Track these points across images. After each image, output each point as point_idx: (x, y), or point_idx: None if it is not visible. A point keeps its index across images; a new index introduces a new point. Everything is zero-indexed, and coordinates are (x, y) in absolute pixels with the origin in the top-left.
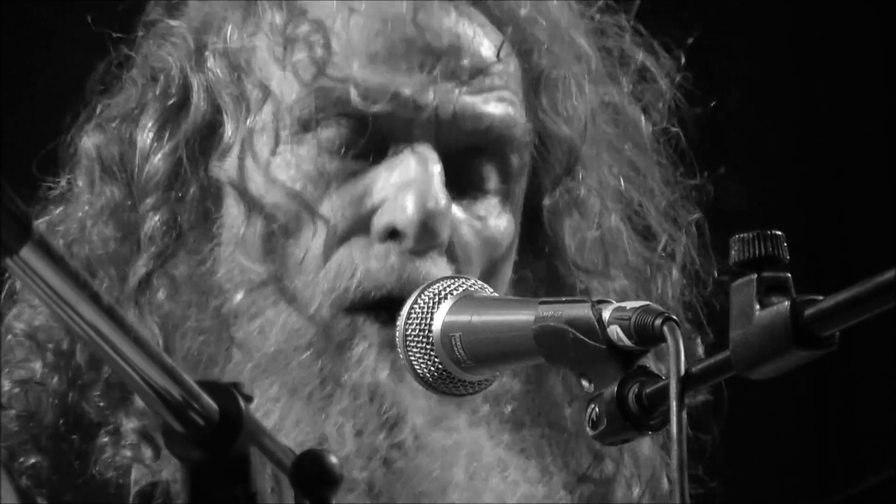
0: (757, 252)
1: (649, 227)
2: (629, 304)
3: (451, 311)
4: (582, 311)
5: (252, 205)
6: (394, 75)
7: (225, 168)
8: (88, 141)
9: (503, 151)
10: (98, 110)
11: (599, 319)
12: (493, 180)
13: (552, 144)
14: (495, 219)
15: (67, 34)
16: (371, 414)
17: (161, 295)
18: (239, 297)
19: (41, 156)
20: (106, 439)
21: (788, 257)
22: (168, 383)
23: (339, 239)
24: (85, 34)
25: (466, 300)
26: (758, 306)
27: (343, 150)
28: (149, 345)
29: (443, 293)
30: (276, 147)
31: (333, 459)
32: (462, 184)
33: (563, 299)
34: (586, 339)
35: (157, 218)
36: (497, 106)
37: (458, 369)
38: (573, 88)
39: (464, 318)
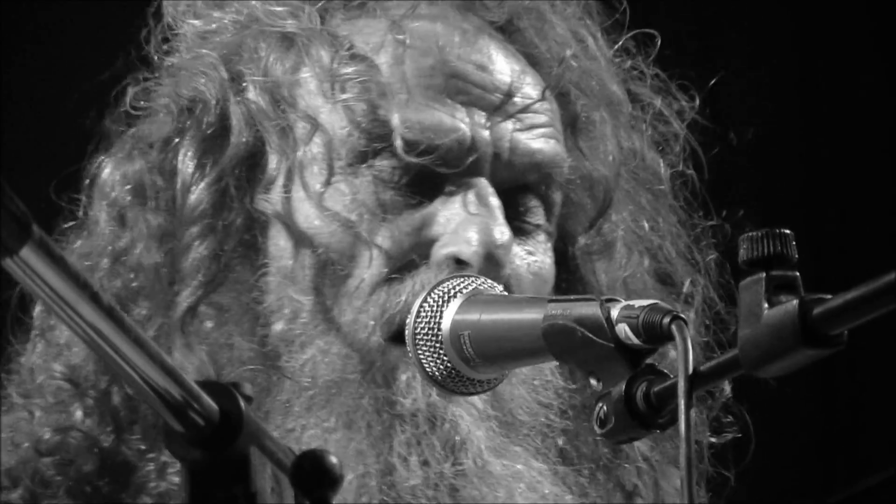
0: (765, 251)
1: (668, 270)
2: (637, 303)
3: (460, 310)
4: (591, 309)
5: (301, 237)
6: (451, 111)
7: (271, 200)
8: (127, 168)
9: (548, 188)
10: (129, 137)
11: (608, 318)
12: (538, 217)
13: (587, 187)
14: (542, 255)
15: (86, 47)
16: (433, 442)
17: (209, 324)
18: (286, 326)
19: (58, 180)
20: (150, 467)
21: (797, 256)
22: (168, 383)
23: (395, 268)
24: (102, 48)
25: (475, 299)
26: (766, 305)
27: (399, 183)
28: (149, 345)
29: (452, 291)
30: (330, 178)
31: (333, 459)
32: (512, 219)
33: (572, 298)
34: (594, 338)
35: (202, 247)
36: (547, 142)
37: (467, 368)
38: (607, 132)
39: (473, 316)
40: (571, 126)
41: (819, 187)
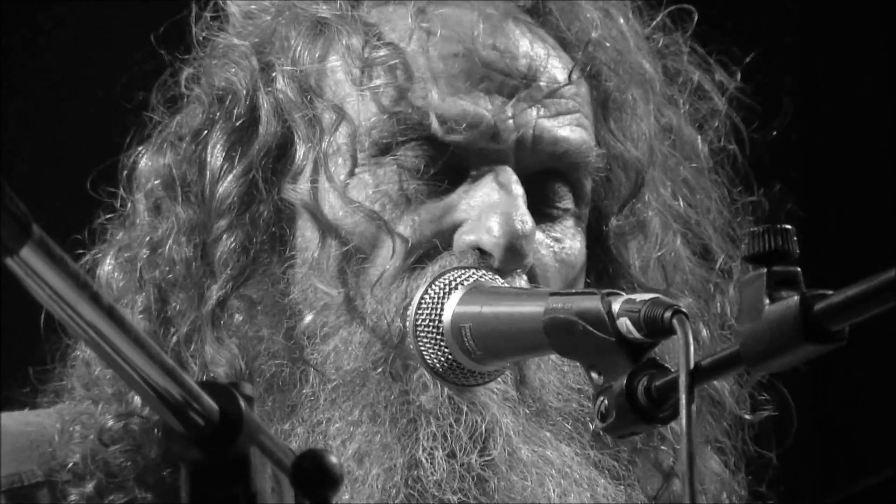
0: (767, 246)
1: (707, 245)
2: (639, 297)
3: (461, 302)
4: (592, 303)
5: (327, 227)
6: (475, 100)
7: (298, 190)
8: (159, 160)
9: (577, 175)
10: (163, 128)
11: (609, 312)
12: (567, 202)
13: (620, 167)
14: (570, 240)
15: (116, 40)
16: (459, 433)
17: (239, 317)
18: (311, 317)
19: (97, 172)
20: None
21: (798, 251)
22: (168, 383)
23: (417, 256)
24: (130, 43)
25: (477, 291)
26: (767, 300)
27: (423, 172)
28: (149, 345)
29: (453, 283)
30: (354, 168)
31: (333, 459)
32: (538, 205)
33: (574, 291)
34: (596, 332)
35: (231, 240)
36: (573, 130)
37: (468, 360)
38: (639, 111)
39: (474, 308)
40: (603, 107)
41: (819, 183)
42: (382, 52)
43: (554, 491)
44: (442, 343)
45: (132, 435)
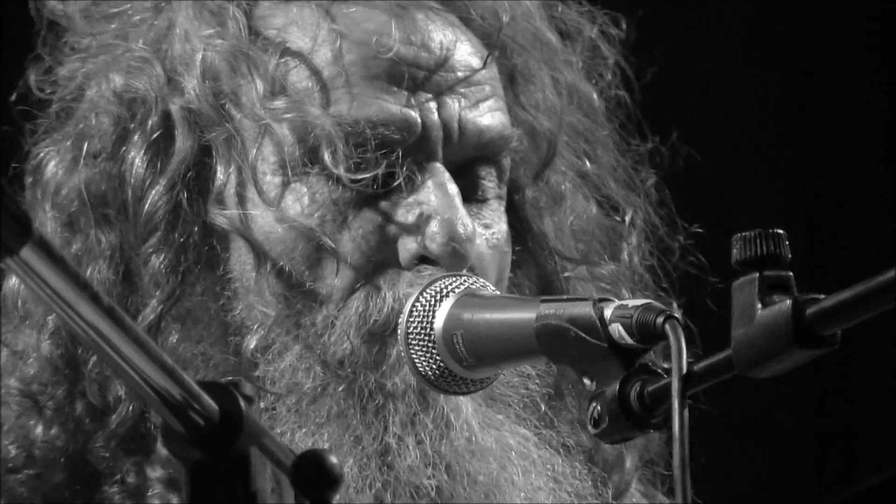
0: (759, 251)
1: (610, 198)
2: (631, 303)
3: (452, 309)
4: (583, 309)
5: (261, 251)
6: (398, 99)
7: (226, 215)
8: (73, 176)
9: (499, 158)
10: (70, 133)
11: (601, 318)
12: (492, 185)
13: (532, 137)
14: (498, 223)
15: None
16: (426, 421)
17: (174, 338)
18: (259, 335)
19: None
20: (114, 489)
21: (790, 256)
22: (168, 383)
23: (363, 271)
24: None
25: (468, 298)
26: (759, 305)
27: (355, 178)
28: (149, 345)
29: (444, 291)
30: (285, 182)
31: (333, 459)
32: (467, 194)
33: (565, 297)
34: (588, 338)
35: (160, 260)
36: (493, 116)
37: (460, 367)
38: (545, 80)
39: (466, 316)
40: (511, 80)
41: (813, 186)
42: (297, 62)
43: (517, 473)
44: (434, 351)
45: (33, 462)
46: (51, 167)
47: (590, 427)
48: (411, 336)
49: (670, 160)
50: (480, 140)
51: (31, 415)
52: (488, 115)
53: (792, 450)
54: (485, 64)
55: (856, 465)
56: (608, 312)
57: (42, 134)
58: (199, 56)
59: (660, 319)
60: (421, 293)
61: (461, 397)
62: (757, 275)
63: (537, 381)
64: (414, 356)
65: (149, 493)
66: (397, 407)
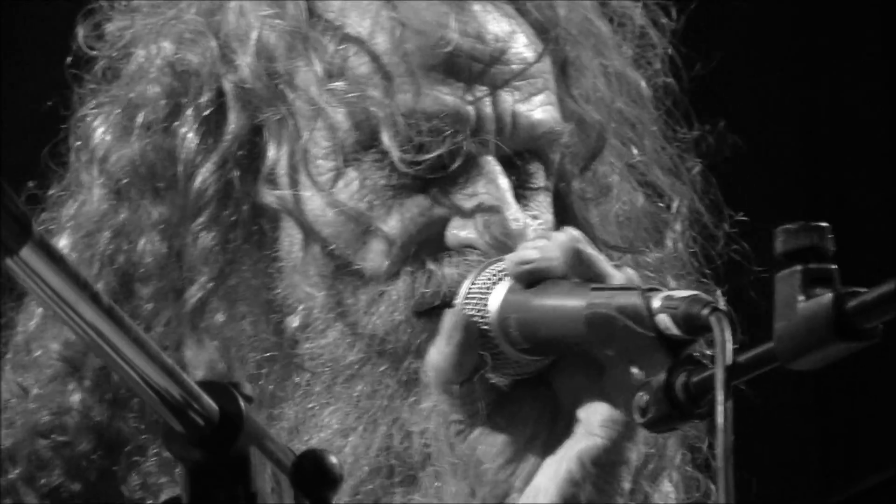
0: (802, 243)
1: (655, 185)
2: (678, 293)
3: (508, 293)
4: (632, 298)
5: (310, 232)
6: (454, 91)
7: (277, 195)
8: (123, 146)
9: (549, 151)
10: (119, 100)
11: (648, 308)
12: (540, 178)
13: (581, 129)
14: (545, 215)
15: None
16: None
17: (220, 317)
18: (302, 315)
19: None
20: (150, 462)
21: (833, 249)
22: (168, 383)
23: (408, 252)
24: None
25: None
26: (801, 298)
27: (407, 166)
28: (149, 345)
29: (501, 274)
30: (335, 167)
31: (333, 459)
32: (516, 187)
33: (615, 286)
34: (635, 327)
35: (209, 238)
36: (546, 111)
37: (513, 350)
38: (595, 70)
39: (520, 300)
40: (562, 71)
41: (838, 182)
42: (356, 47)
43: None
44: (490, 334)
45: (64, 429)
46: (100, 132)
47: (637, 416)
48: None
49: (716, 148)
50: (532, 134)
51: (69, 381)
52: (540, 110)
53: (793, 449)
54: (539, 57)
55: (857, 465)
56: (656, 303)
57: (88, 93)
58: (254, 34)
59: (706, 311)
60: (477, 276)
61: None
62: (800, 267)
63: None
64: None
65: (178, 470)
66: (427, 397)
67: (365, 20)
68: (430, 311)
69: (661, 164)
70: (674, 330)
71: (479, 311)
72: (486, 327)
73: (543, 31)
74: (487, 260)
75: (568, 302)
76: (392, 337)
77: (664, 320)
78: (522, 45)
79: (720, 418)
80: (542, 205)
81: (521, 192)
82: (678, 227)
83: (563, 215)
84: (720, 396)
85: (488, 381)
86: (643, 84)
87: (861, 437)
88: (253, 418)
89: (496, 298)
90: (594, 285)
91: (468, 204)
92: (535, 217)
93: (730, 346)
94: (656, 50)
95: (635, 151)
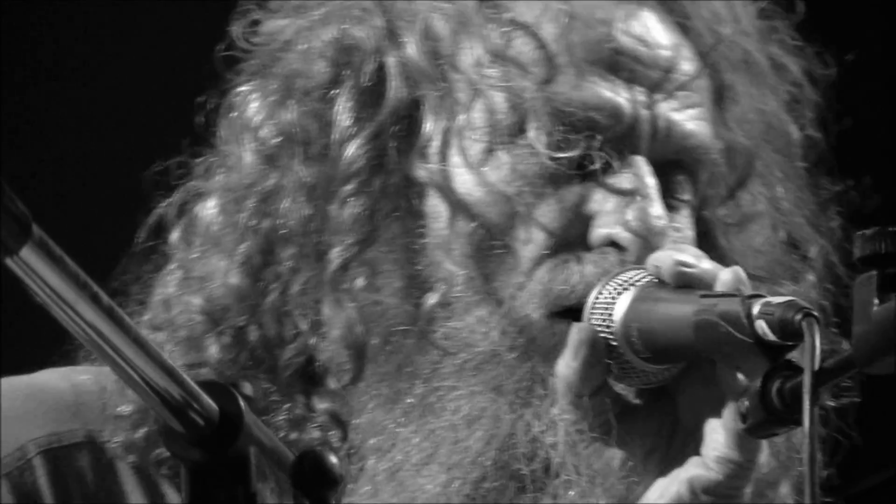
0: (878, 248)
1: (794, 234)
2: (775, 299)
3: (632, 303)
4: (733, 305)
5: (459, 207)
6: (614, 88)
7: (428, 169)
8: (280, 112)
9: (698, 168)
10: (279, 75)
11: (748, 314)
12: (686, 194)
13: (729, 155)
14: (686, 231)
15: None
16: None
17: (359, 283)
18: (442, 292)
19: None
20: (280, 418)
21: None
22: (168, 383)
23: (554, 244)
24: None
25: (648, 291)
26: (877, 302)
27: (559, 157)
28: (149, 345)
29: (627, 283)
30: (489, 148)
31: (333, 459)
32: (662, 196)
33: (720, 293)
34: (736, 333)
35: (356, 205)
36: (700, 125)
37: (636, 359)
38: (750, 100)
39: (642, 309)
40: (717, 96)
41: None
42: (522, 32)
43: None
44: (613, 343)
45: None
46: (254, 105)
47: (739, 422)
48: (592, 326)
49: (859, 204)
50: (685, 144)
51: (206, 337)
52: (695, 122)
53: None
54: (700, 72)
55: (858, 463)
56: (756, 309)
57: (245, 76)
58: (422, 15)
59: (798, 316)
60: (605, 285)
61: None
62: (875, 272)
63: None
64: None
65: (310, 424)
66: (544, 399)
67: (534, 9)
68: (563, 313)
69: (802, 211)
70: (771, 336)
71: (604, 320)
72: (610, 337)
73: (705, 50)
74: (620, 268)
75: (679, 309)
76: (525, 332)
77: (762, 326)
78: (684, 58)
79: (806, 422)
80: (686, 219)
81: (667, 202)
82: (811, 276)
83: (703, 241)
84: (807, 401)
85: (615, 393)
86: (794, 129)
87: (863, 436)
88: (253, 418)
89: (621, 308)
90: (702, 292)
91: (614, 200)
92: (676, 230)
93: (818, 351)
94: (809, 100)
95: (780, 189)
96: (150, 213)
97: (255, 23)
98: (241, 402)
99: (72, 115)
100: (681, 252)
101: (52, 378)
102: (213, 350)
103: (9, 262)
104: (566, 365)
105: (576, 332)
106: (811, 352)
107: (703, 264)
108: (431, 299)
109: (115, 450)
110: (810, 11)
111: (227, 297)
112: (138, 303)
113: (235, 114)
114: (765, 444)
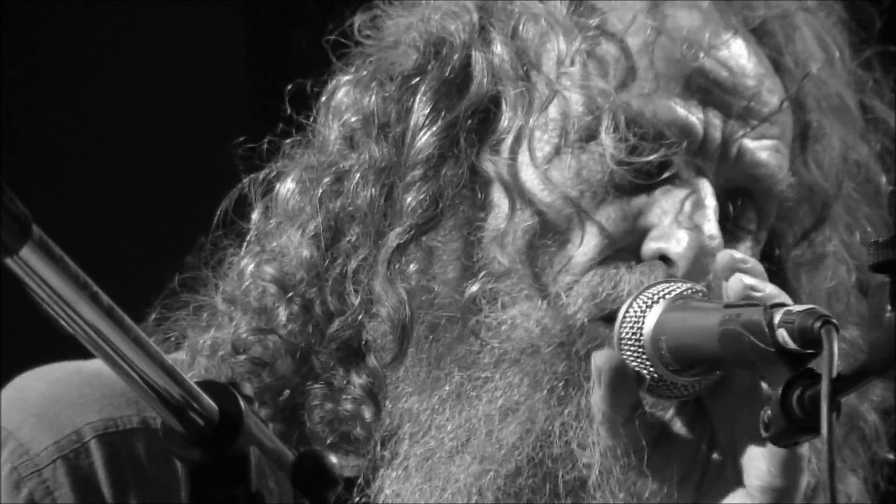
0: (890, 255)
1: (869, 284)
2: (796, 308)
3: (661, 316)
4: (756, 314)
5: (519, 203)
6: (689, 107)
7: (496, 161)
8: (363, 95)
9: (766, 199)
10: (369, 63)
11: (770, 323)
12: (751, 224)
13: (807, 197)
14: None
15: None
16: (592, 427)
17: (413, 267)
18: (491, 283)
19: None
20: (318, 386)
21: None
22: (168, 383)
23: (607, 250)
24: None
25: (676, 304)
26: (890, 308)
27: (625, 168)
28: (149, 345)
29: (656, 297)
30: (558, 149)
31: (333, 459)
32: (724, 222)
33: (743, 303)
34: (758, 343)
35: (422, 191)
36: (773, 156)
37: (667, 372)
38: (835, 143)
39: (671, 321)
40: (802, 136)
41: None
42: (606, 40)
43: None
44: (644, 356)
45: (265, 349)
46: (344, 90)
47: (762, 431)
48: (623, 341)
49: None
50: (755, 172)
51: (277, 305)
52: (768, 152)
53: None
54: (781, 105)
55: None
56: (777, 318)
57: (346, 67)
58: (515, 15)
59: (817, 324)
60: (635, 299)
61: None
62: (889, 279)
63: None
64: (626, 360)
65: (344, 397)
66: (580, 402)
67: (623, 20)
68: (605, 318)
69: None
70: (791, 344)
71: (633, 333)
72: (641, 350)
73: (793, 87)
74: (650, 282)
75: (705, 320)
76: (566, 332)
77: (782, 335)
78: (767, 89)
79: (824, 429)
80: (748, 251)
81: (730, 229)
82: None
83: (775, 278)
84: (825, 408)
85: (651, 418)
86: (883, 179)
87: None
88: (253, 418)
89: (650, 322)
90: (726, 302)
91: (672, 216)
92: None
93: (836, 359)
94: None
95: (858, 236)
96: (152, 211)
97: (375, 18)
98: (241, 402)
99: (72, 116)
100: (748, 275)
101: (105, 365)
102: (282, 317)
103: (9, 262)
104: (595, 392)
105: (599, 358)
106: (829, 359)
107: (768, 288)
108: (474, 286)
109: None
110: None
111: (298, 269)
112: (212, 284)
113: (326, 97)
114: (805, 466)
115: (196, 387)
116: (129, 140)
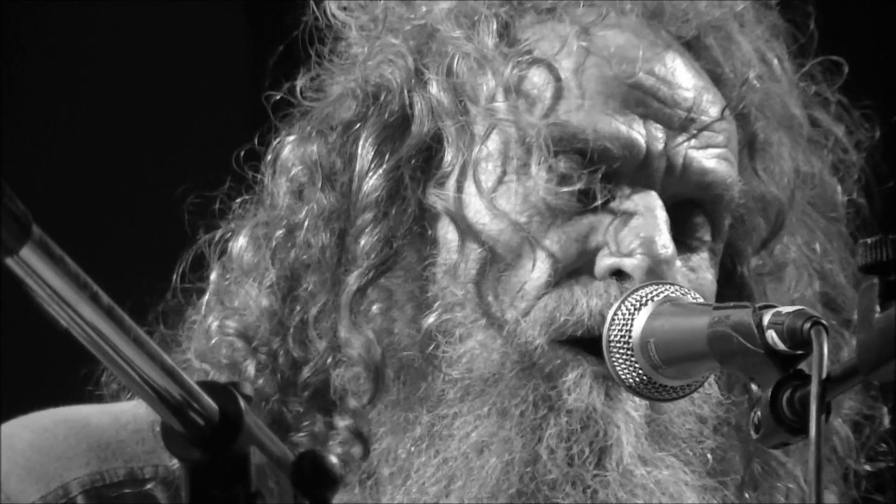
0: (879, 256)
1: (834, 295)
2: (785, 309)
3: (649, 318)
4: (744, 315)
5: (468, 233)
6: (629, 122)
7: (442, 196)
8: (307, 146)
9: (718, 208)
10: (311, 117)
11: (759, 324)
12: (705, 235)
13: (760, 208)
14: (704, 272)
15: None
16: (583, 441)
17: (375, 308)
18: (447, 316)
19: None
20: (301, 435)
21: None
22: (168, 383)
23: (561, 273)
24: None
25: (665, 306)
26: (878, 309)
27: (570, 188)
28: (149, 345)
29: (644, 300)
30: (503, 177)
31: (333, 459)
32: (677, 235)
33: (732, 304)
34: (747, 344)
35: (374, 232)
36: (720, 163)
37: (656, 374)
38: (784, 154)
39: (659, 323)
40: (749, 146)
41: None
42: (537, 66)
43: None
44: (632, 358)
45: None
46: (289, 147)
47: (752, 433)
48: (612, 343)
49: None
50: (702, 180)
51: (244, 358)
52: (715, 160)
53: None
54: (722, 115)
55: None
56: (766, 319)
57: (289, 128)
58: (448, 55)
59: (806, 325)
60: (622, 303)
61: (623, 427)
62: (876, 280)
63: (711, 426)
64: (616, 364)
65: (331, 442)
66: (559, 421)
67: (554, 46)
68: (569, 342)
69: (845, 273)
70: (780, 345)
71: (622, 336)
72: (629, 352)
73: (735, 98)
74: (633, 286)
75: (694, 322)
76: (526, 357)
77: (772, 336)
78: (707, 101)
79: (812, 430)
80: (704, 262)
81: (684, 242)
82: (853, 341)
83: (740, 293)
84: (814, 408)
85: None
86: (838, 190)
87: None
88: (253, 418)
89: (639, 323)
90: (715, 304)
91: (621, 231)
92: (692, 269)
93: (825, 360)
94: (853, 163)
95: (818, 247)
96: (153, 223)
97: (316, 78)
98: (241, 402)
99: (72, 116)
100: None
101: (92, 413)
102: (250, 370)
103: (9, 262)
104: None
105: None
106: (819, 360)
107: None
108: (430, 319)
109: (154, 486)
110: (854, 72)
111: (260, 319)
112: (181, 336)
113: (272, 157)
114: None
115: (196, 387)
116: (129, 140)
